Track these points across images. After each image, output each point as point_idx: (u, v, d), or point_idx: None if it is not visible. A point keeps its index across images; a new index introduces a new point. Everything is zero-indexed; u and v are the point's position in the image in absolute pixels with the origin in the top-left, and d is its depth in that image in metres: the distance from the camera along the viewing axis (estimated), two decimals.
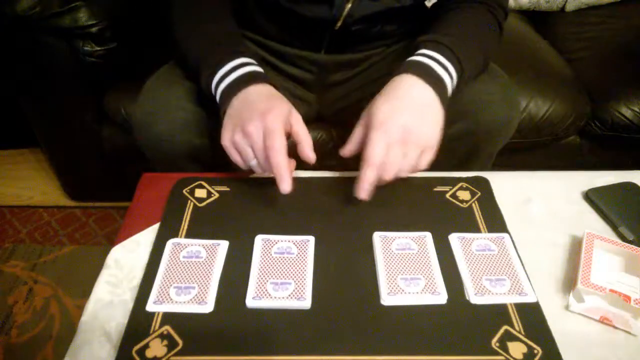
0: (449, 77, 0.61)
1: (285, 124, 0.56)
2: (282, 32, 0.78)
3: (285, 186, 0.55)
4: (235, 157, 0.59)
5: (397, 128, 0.55)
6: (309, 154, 0.58)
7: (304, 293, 0.50)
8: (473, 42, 0.66)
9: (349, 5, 0.70)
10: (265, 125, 0.55)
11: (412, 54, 0.63)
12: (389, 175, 0.56)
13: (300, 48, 0.79)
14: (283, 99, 0.60)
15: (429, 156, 0.58)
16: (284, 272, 0.52)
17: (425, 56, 0.61)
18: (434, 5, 0.79)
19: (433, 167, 0.60)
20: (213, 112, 0.64)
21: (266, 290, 0.51)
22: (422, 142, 0.57)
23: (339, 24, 0.72)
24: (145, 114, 0.68)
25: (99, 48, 1.02)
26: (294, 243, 0.56)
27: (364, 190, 0.56)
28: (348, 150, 0.61)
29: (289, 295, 0.50)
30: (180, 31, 0.70)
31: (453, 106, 0.62)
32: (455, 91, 0.63)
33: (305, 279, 0.52)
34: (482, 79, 0.70)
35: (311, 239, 0.56)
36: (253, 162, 0.58)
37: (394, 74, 0.60)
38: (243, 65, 0.62)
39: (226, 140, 0.58)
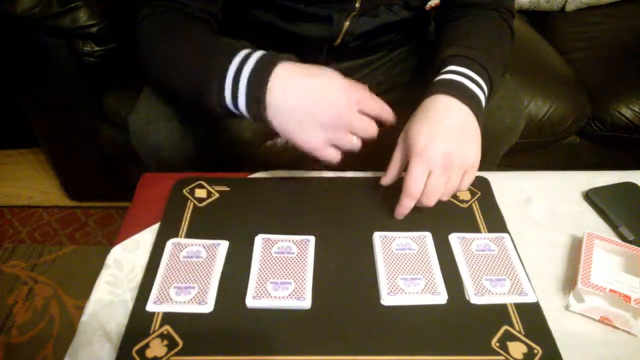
0: (482, 92, 0.59)
1: None
2: (279, 49, 0.77)
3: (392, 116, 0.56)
4: (330, 154, 0.54)
5: (439, 155, 0.54)
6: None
7: (304, 293, 0.50)
8: (496, 53, 0.64)
9: (347, 23, 0.69)
10: (357, 99, 0.53)
11: (439, 70, 0.60)
12: (430, 202, 0.55)
13: (298, 59, 0.78)
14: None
15: (471, 176, 0.57)
16: (284, 272, 0.52)
17: (457, 73, 0.59)
18: (437, 11, 0.78)
19: None
20: (211, 119, 0.63)
21: (266, 290, 0.51)
22: (464, 164, 0.55)
23: (338, 41, 0.72)
24: (142, 123, 0.66)
25: (99, 48, 1.01)
26: (294, 243, 0.56)
27: (400, 215, 0.58)
28: (389, 179, 0.60)
29: (289, 295, 0.50)
30: (157, 56, 0.61)
31: None
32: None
33: (305, 279, 0.52)
34: None
35: (311, 239, 0.56)
36: (356, 144, 0.53)
37: (427, 93, 0.58)
38: (250, 54, 0.53)
39: (319, 141, 0.53)
